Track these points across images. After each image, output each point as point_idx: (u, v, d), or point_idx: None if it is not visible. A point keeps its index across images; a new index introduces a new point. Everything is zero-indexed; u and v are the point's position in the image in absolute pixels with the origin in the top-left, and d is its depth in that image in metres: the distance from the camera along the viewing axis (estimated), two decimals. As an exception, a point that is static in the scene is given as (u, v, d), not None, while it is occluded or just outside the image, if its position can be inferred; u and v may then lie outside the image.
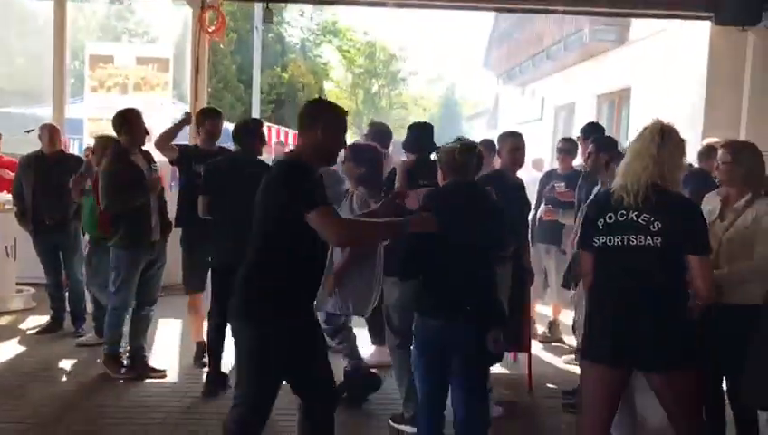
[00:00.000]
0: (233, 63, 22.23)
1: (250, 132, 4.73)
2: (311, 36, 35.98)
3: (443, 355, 3.32)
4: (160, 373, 5.08)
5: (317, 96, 5.58)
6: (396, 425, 4.19)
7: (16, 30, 16.18)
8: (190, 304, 5.39)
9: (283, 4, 20.11)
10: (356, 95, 39.87)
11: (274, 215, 2.89)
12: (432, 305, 3.31)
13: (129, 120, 4.86)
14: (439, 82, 44.13)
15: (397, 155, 5.68)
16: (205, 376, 4.85)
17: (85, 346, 5.65)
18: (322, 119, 2.95)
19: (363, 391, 4.66)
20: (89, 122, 8.30)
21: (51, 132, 6.17)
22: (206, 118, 5.23)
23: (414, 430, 3.77)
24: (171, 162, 5.35)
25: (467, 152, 3.43)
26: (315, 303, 4.31)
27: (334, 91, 38.77)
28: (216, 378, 4.78)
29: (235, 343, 3.00)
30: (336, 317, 4.58)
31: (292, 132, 15.94)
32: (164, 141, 5.22)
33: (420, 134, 4.62)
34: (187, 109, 8.11)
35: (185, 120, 5.56)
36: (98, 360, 5.16)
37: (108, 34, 26.01)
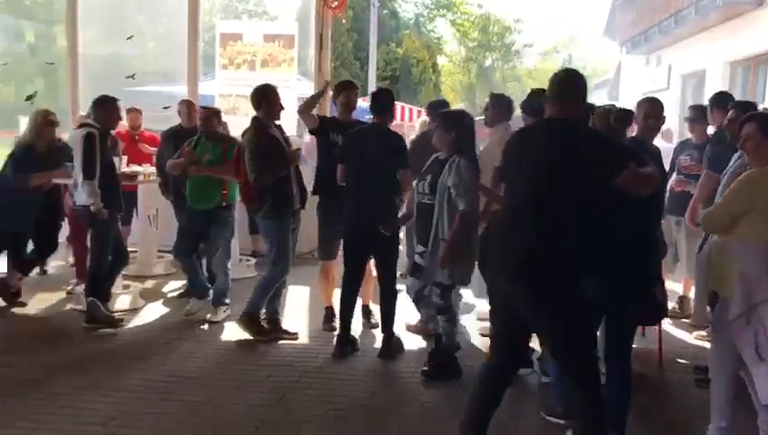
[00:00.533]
0: (349, 41, 22.56)
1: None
2: (424, 11, 35.84)
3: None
4: (293, 336, 5.34)
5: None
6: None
7: (147, 15, 17.04)
8: (322, 270, 5.59)
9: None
10: (469, 70, 39.42)
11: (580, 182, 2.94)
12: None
13: (267, 96, 5.13)
14: (555, 54, 42.89)
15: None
16: (335, 339, 5.05)
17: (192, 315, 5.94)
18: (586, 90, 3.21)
19: (447, 372, 4.61)
20: (220, 98, 8.70)
21: (189, 107, 6.55)
22: (343, 90, 5.42)
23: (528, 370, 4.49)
24: (311, 131, 5.57)
25: (623, 118, 3.46)
26: (424, 274, 4.44)
27: (447, 65, 38.52)
28: (347, 340, 4.99)
29: (544, 310, 3.00)
30: (447, 291, 4.56)
31: (408, 107, 16.03)
32: (307, 109, 5.48)
33: (541, 100, 4.63)
34: (312, 85, 8.38)
35: (323, 91, 5.88)
36: (224, 321, 5.48)
37: (229, 15, 27.00)
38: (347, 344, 5.00)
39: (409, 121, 13.88)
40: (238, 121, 7.68)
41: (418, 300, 4.74)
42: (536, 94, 4.89)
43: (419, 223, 4.54)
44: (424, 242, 4.48)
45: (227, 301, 5.84)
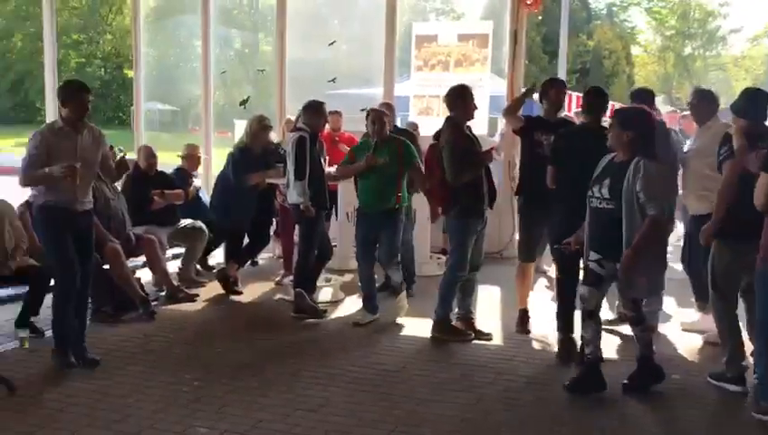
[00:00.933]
0: (537, 35, 22.17)
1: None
2: (617, 0, 34.25)
3: None
4: (487, 336, 5.37)
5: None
6: (716, 382, 4.36)
7: (340, 19, 17.75)
8: (520, 271, 5.56)
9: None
10: (665, 59, 37.11)
11: None
12: None
13: (462, 96, 5.20)
14: (766, 39, 39.12)
15: None
16: (558, 342, 4.99)
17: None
18: None
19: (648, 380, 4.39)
20: (414, 99, 8.92)
21: (387, 109, 6.76)
22: (552, 87, 5.34)
23: (739, 388, 4.23)
24: (514, 131, 5.57)
25: None
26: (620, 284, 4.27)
27: (641, 56, 36.54)
28: (570, 345, 4.89)
29: None
30: (637, 302, 4.37)
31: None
32: (513, 110, 5.50)
33: (755, 99, 4.43)
34: (505, 83, 8.34)
35: (531, 90, 5.74)
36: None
37: (418, 15, 27.51)
38: (571, 351, 4.85)
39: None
40: (432, 122, 7.85)
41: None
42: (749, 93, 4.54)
43: (592, 228, 4.31)
44: (597, 249, 4.28)
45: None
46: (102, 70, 42.51)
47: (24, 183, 4.53)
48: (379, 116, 5.62)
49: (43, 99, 12.14)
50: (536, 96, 5.56)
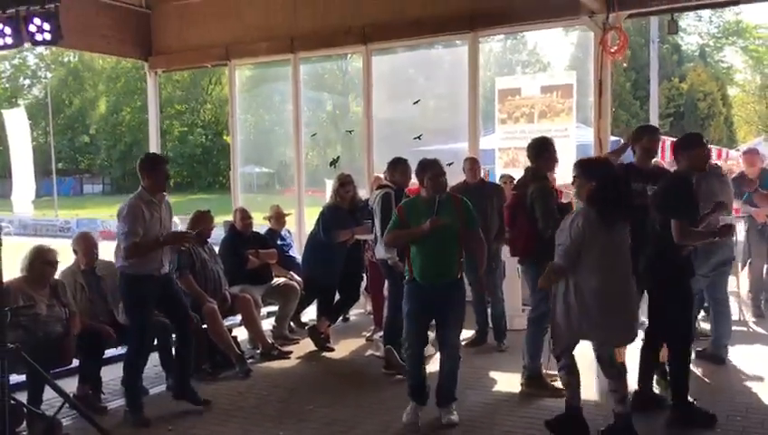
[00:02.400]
0: (627, 80, 21.84)
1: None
2: (710, 41, 33.35)
3: None
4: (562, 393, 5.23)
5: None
6: None
7: (425, 76, 18.08)
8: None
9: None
10: (766, 98, 35.59)
11: None
12: None
13: (545, 148, 5.22)
14: None
15: None
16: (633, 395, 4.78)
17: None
18: None
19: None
20: (499, 152, 8.94)
21: (472, 164, 6.84)
22: (645, 134, 5.27)
23: None
24: None
25: None
26: None
27: (739, 96, 35.20)
28: (647, 398, 4.75)
29: None
30: None
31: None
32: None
33: None
34: (592, 132, 8.25)
35: (626, 144, 5.63)
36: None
37: (503, 68, 27.71)
38: (647, 402, 4.75)
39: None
40: (517, 174, 7.82)
41: None
42: None
43: None
44: None
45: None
46: (203, 137, 44.82)
47: (133, 254, 4.79)
48: (439, 167, 4.76)
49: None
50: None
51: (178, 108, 45.18)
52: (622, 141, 5.89)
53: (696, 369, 5.42)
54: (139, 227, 4.74)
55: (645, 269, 4.60)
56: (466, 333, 6.94)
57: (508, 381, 5.54)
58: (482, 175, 7.07)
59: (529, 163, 5.40)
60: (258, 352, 6.56)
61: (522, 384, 5.30)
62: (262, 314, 6.95)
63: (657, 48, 16.00)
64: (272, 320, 7.22)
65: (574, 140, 8.48)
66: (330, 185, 8.49)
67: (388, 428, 4.64)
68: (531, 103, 8.68)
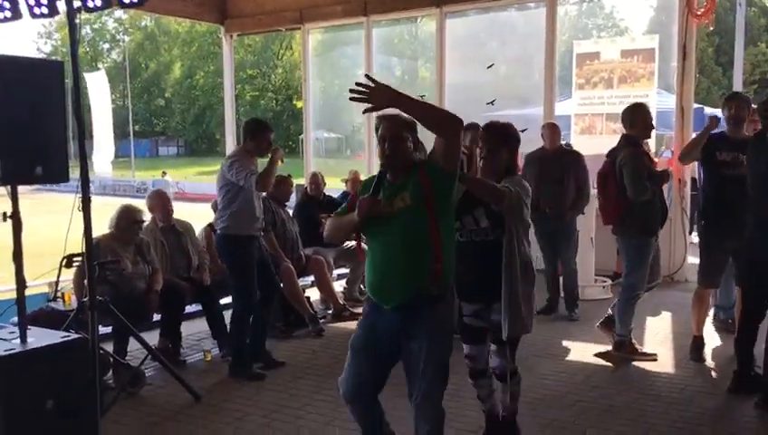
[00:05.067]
0: (709, 46, 20.92)
1: None
2: (802, 3, 31.49)
3: None
4: (652, 357, 5.20)
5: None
6: None
7: (498, 40, 17.75)
8: (698, 297, 5.26)
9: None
10: None
11: None
12: None
13: (640, 114, 5.14)
14: None
15: None
16: (734, 374, 4.63)
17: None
18: None
19: None
20: (576, 118, 8.74)
21: (551, 129, 6.70)
22: (729, 102, 5.08)
23: None
24: None
25: None
26: None
27: (833, 62, 33.20)
28: (748, 378, 4.54)
29: None
30: None
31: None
32: (690, 156, 5.43)
33: None
34: (674, 99, 7.96)
35: (709, 127, 5.39)
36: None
37: (578, 32, 26.91)
38: (747, 384, 4.50)
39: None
40: (594, 141, 7.66)
41: None
42: None
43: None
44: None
45: None
46: (274, 102, 45.37)
47: (264, 185, 4.92)
48: (393, 123, 3.04)
49: (222, 130, 13.17)
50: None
51: (250, 72, 45.79)
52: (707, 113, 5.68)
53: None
54: (251, 165, 4.88)
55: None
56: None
57: (580, 351, 5.50)
58: (561, 142, 6.93)
59: (624, 130, 5.25)
60: (330, 312, 6.70)
61: (610, 350, 5.28)
62: (333, 276, 7.06)
63: (743, 11, 15.17)
64: (342, 282, 7.33)
65: (655, 107, 8.20)
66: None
67: (457, 392, 4.65)
68: (610, 68, 8.42)
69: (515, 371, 3.79)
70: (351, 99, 2.83)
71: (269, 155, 4.95)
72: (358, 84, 2.82)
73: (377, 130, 3.09)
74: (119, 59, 53.64)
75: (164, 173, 28.39)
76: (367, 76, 2.87)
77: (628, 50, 8.49)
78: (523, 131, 6.95)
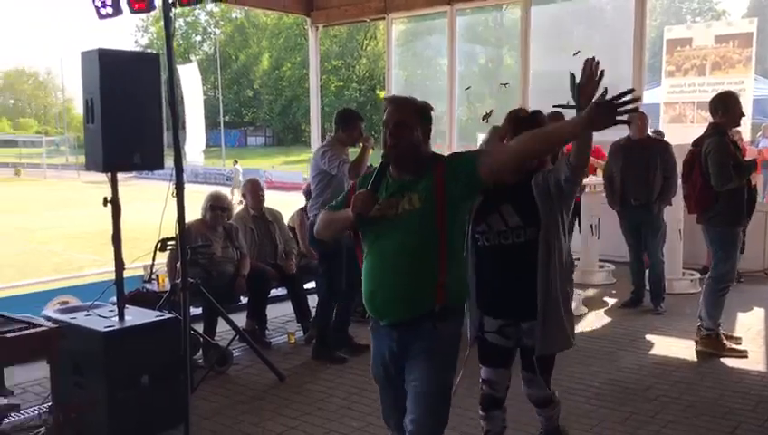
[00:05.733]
0: (816, 28, 19.70)
1: None
2: None
3: None
4: (742, 353, 5.04)
5: None
6: None
7: (584, 26, 17.34)
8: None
9: None
10: None
11: None
12: None
13: (729, 103, 5.01)
14: None
15: None
16: None
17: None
18: None
19: None
20: (665, 107, 8.48)
21: (641, 119, 6.50)
22: None
23: None
24: None
25: None
26: None
27: None
28: None
29: None
30: None
31: None
32: None
33: None
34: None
35: None
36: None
37: (670, 18, 25.89)
38: None
39: None
40: (684, 130, 7.40)
41: None
42: None
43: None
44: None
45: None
46: (358, 92, 45.80)
47: (356, 173, 4.89)
48: (401, 108, 2.66)
49: (307, 121, 13.44)
50: None
51: (335, 63, 46.33)
52: None
53: None
54: (343, 154, 5.01)
55: None
56: (620, 294, 6.80)
57: (664, 345, 5.37)
58: (649, 131, 6.73)
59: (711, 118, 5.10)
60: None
61: (696, 342, 5.15)
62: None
63: None
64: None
65: (751, 94, 7.87)
66: (481, 139, 8.45)
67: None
68: (702, 54, 8.13)
69: (553, 397, 3.28)
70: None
71: (360, 144, 5.05)
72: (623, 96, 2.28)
73: (384, 113, 2.65)
74: (210, 51, 55.41)
75: (235, 162, 29.27)
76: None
77: (723, 35, 8.16)
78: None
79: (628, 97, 2.25)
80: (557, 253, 2.91)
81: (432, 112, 2.71)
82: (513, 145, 2.54)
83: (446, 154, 2.73)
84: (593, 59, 2.57)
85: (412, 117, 2.61)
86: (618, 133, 6.61)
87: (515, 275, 2.96)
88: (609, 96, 2.33)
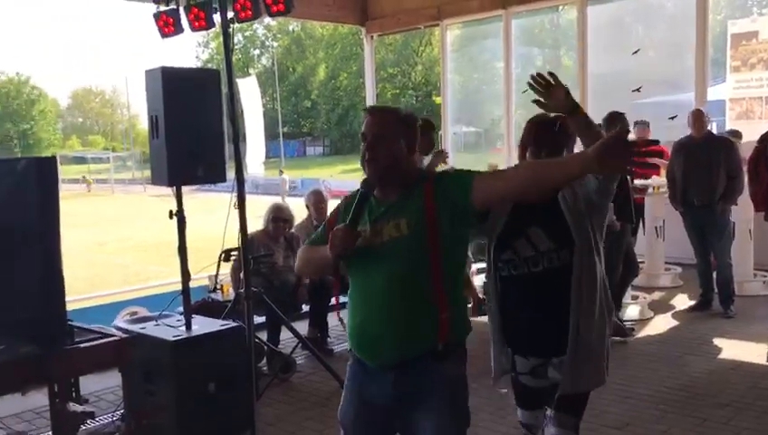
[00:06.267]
0: None
1: None
2: None
3: None
4: None
5: None
6: None
7: (644, 24, 16.98)
8: None
9: None
10: None
11: None
12: None
13: None
14: None
15: None
16: None
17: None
18: None
19: None
20: (731, 103, 8.22)
21: (697, 116, 6.35)
22: None
23: None
24: None
25: None
26: None
27: None
28: None
29: None
30: None
31: None
32: None
33: None
34: None
35: None
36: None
37: (735, 11, 25.07)
38: None
39: None
40: (752, 126, 7.16)
41: None
42: None
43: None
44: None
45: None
46: (414, 99, 45.91)
47: None
48: (381, 120, 2.31)
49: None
50: None
51: (391, 71, 46.56)
52: None
53: None
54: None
55: None
56: (683, 297, 6.62)
57: (735, 349, 5.21)
58: (708, 128, 6.54)
59: None
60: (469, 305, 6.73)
61: None
62: (472, 269, 7.08)
63: None
64: (482, 277, 7.34)
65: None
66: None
67: (606, 388, 4.57)
68: (769, 48, 7.86)
69: None
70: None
71: (431, 154, 5.07)
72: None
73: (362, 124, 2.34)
74: (268, 64, 56.41)
75: (281, 172, 29.73)
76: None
77: (792, 26, 7.88)
78: (672, 118, 6.65)
79: (648, 148, 1.97)
80: (592, 276, 2.55)
81: (423, 124, 2.48)
82: (511, 176, 2.20)
83: (504, 159, 2.71)
84: (535, 75, 2.45)
85: (393, 128, 2.27)
86: (683, 132, 6.47)
87: (548, 306, 2.58)
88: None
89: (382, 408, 2.27)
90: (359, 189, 2.29)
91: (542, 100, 2.44)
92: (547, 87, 2.43)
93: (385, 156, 2.23)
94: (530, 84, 2.45)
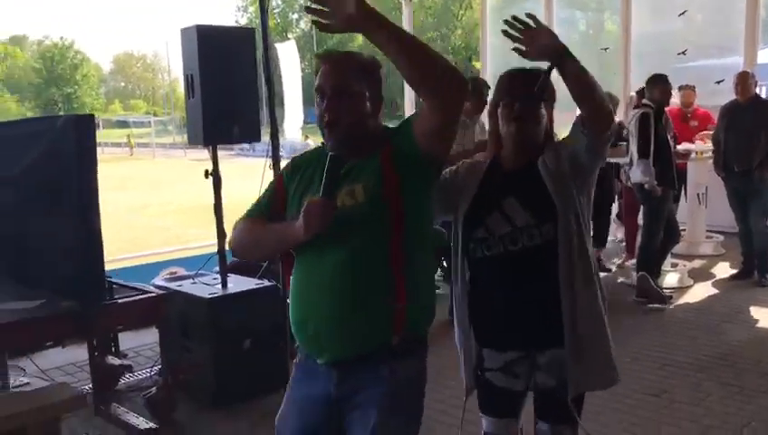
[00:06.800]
0: None
1: None
2: None
3: None
4: None
5: None
6: None
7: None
8: None
9: None
10: None
11: None
12: None
13: None
14: None
15: None
16: None
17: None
18: None
19: None
20: (781, 67, 7.93)
21: (742, 79, 6.12)
22: None
23: None
24: None
25: None
26: None
27: None
28: None
29: None
30: None
31: None
32: None
33: None
34: None
35: None
36: None
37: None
38: None
39: None
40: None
41: None
42: None
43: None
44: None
45: None
46: (453, 64, 45.41)
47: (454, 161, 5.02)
48: (342, 70, 1.93)
49: (402, 95, 13.45)
50: None
51: (430, 35, 45.98)
52: None
53: None
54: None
55: None
56: (724, 265, 6.48)
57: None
58: (757, 91, 6.32)
59: None
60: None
61: None
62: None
63: None
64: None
65: None
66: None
67: (638, 354, 4.53)
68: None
69: None
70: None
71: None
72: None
73: (315, 74, 1.91)
74: (306, 28, 56.15)
75: (306, 136, 29.71)
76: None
77: None
78: (718, 82, 6.42)
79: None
80: (584, 252, 2.13)
81: (382, 71, 1.97)
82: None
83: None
84: (509, 20, 2.02)
85: (357, 79, 1.88)
86: (730, 97, 6.27)
87: (530, 289, 2.14)
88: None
89: (327, 412, 1.93)
90: (318, 150, 1.95)
91: (522, 48, 2.01)
92: (527, 32, 2.01)
93: (350, 115, 1.85)
94: (504, 32, 2.01)
